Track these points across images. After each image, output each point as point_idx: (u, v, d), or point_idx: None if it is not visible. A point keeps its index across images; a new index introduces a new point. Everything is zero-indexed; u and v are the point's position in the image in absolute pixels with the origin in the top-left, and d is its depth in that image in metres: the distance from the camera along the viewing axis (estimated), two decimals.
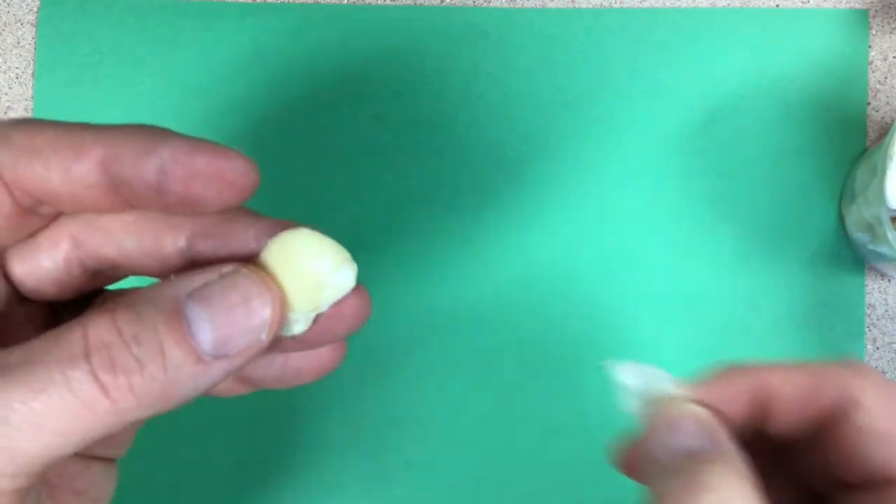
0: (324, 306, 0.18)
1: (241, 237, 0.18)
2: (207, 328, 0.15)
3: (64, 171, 0.16)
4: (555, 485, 0.37)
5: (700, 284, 0.38)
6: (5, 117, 0.40)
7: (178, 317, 0.15)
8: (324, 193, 0.39)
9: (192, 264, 0.18)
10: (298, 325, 0.18)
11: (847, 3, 0.38)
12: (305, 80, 0.39)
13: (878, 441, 0.18)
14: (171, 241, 0.18)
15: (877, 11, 0.38)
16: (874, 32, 0.38)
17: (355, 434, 0.37)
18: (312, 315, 0.18)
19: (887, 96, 0.38)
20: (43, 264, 0.18)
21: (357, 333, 0.20)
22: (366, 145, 0.39)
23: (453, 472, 0.37)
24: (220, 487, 0.37)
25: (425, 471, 0.37)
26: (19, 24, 0.40)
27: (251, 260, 0.17)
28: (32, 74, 0.40)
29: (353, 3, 0.39)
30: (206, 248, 0.18)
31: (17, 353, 0.15)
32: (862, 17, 0.38)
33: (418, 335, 0.38)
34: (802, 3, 0.38)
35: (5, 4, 0.40)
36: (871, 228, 0.34)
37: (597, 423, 0.38)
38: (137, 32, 0.39)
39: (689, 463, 0.17)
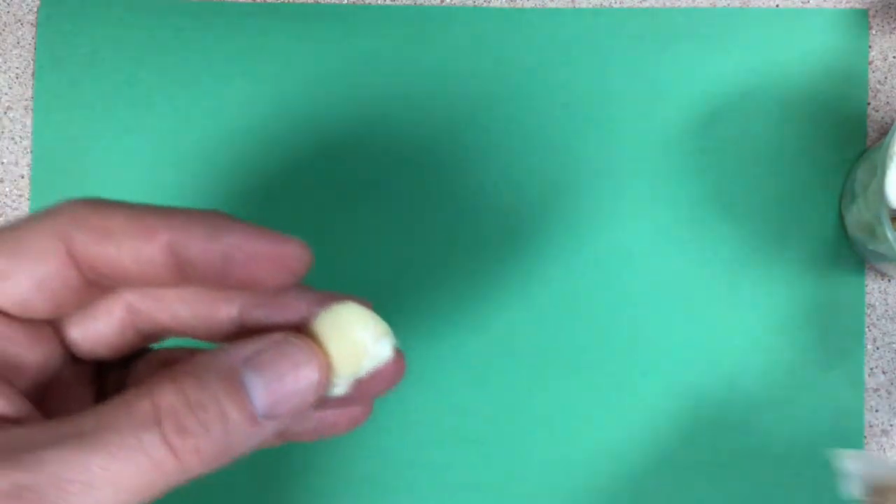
0: (364, 372, 0.19)
1: (290, 307, 0.20)
2: (262, 393, 0.17)
3: (134, 253, 0.17)
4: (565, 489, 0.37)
5: (700, 284, 0.38)
6: (5, 117, 0.40)
7: (236, 383, 0.17)
8: (322, 188, 0.39)
9: (243, 330, 0.20)
10: (340, 388, 0.19)
11: (847, 3, 0.38)
12: (305, 79, 0.39)
13: None
14: (225, 310, 0.20)
15: (877, 11, 0.38)
16: (874, 32, 0.38)
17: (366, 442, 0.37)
18: (353, 379, 0.19)
19: (887, 96, 0.38)
20: (99, 329, 0.20)
21: None
22: (365, 144, 0.39)
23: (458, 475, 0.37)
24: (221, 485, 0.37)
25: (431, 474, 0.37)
26: (19, 24, 0.40)
27: (299, 328, 0.19)
28: (32, 74, 0.40)
29: (353, 3, 0.39)
30: (257, 316, 0.20)
31: (87, 420, 0.16)
32: (862, 17, 0.38)
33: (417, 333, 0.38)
34: (802, 3, 0.38)
35: (5, 4, 0.40)
36: (871, 228, 0.34)
37: (605, 424, 0.38)
38: (137, 32, 0.39)
39: None
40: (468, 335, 0.38)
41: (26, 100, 0.40)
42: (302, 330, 0.19)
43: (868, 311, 0.37)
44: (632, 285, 0.38)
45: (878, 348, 0.37)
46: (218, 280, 0.18)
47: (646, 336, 0.38)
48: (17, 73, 0.40)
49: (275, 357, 0.18)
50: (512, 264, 0.38)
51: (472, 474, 0.37)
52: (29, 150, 0.40)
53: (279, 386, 0.17)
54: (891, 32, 0.38)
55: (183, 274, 0.18)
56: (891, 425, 0.37)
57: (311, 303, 0.20)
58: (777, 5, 0.38)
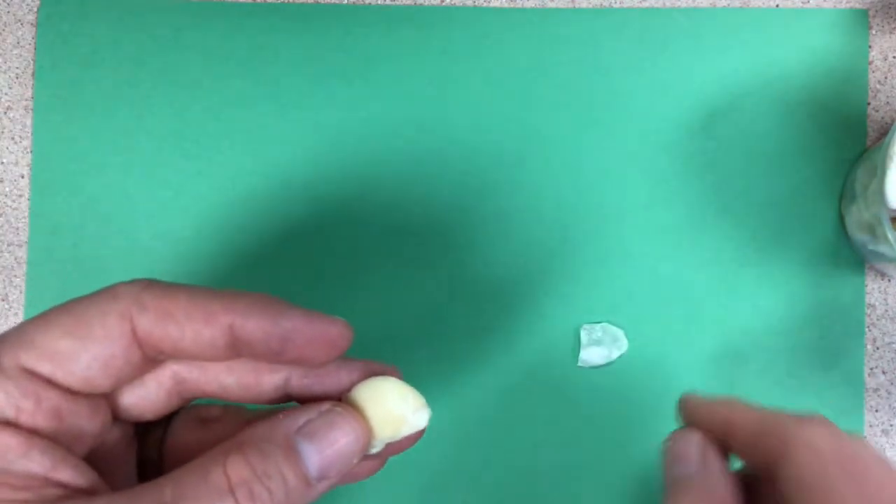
0: (398, 437, 0.22)
1: (332, 377, 0.22)
2: (315, 459, 0.19)
3: (195, 335, 0.19)
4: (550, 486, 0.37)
5: (700, 284, 0.38)
6: (5, 117, 0.40)
7: (293, 452, 0.19)
8: (321, 186, 0.39)
9: (285, 396, 0.22)
10: (375, 449, 0.22)
11: (847, 3, 0.38)
12: (305, 79, 0.39)
13: (799, 492, 0.20)
14: (269, 379, 0.22)
15: (877, 11, 0.38)
16: (874, 32, 0.38)
17: None
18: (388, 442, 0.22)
19: (887, 96, 0.38)
20: (148, 397, 0.21)
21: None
22: (364, 143, 0.39)
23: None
24: None
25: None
26: (19, 24, 0.40)
27: (341, 395, 0.21)
28: (32, 74, 0.40)
29: (353, 3, 0.39)
30: (301, 385, 0.22)
31: (166, 490, 0.18)
32: (862, 17, 0.38)
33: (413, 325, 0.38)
34: (802, 3, 0.38)
35: (5, 4, 0.40)
36: (871, 228, 0.34)
37: (605, 424, 0.38)
38: (137, 32, 0.39)
39: (675, 488, 0.22)
40: (464, 328, 0.38)
41: (26, 100, 0.40)
42: (343, 398, 0.21)
43: (868, 311, 0.37)
44: (632, 285, 0.38)
45: (878, 348, 0.37)
46: (271, 357, 0.20)
47: (645, 336, 0.38)
48: (17, 73, 0.40)
49: (324, 426, 0.20)
50: (511, 263, 0.38)
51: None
52: (29, 150, 0.40)
53: (329, 452, 0.20)
54: (891, 32, 0.38)
55: (237, 351, 0.20)
56: (891, 425, 0.37)
57: (350, 372, 0.22)
58: (777, 5, 0.38)
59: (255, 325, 0.19)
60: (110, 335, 0.19)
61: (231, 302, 0.19)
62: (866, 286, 0.38)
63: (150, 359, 0.20)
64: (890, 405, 0.37)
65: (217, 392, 0.22)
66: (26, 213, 0.39)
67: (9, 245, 0.40)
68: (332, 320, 0.20)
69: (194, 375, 0.22)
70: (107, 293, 0.19)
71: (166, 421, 0.23)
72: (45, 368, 0.18)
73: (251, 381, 0.22)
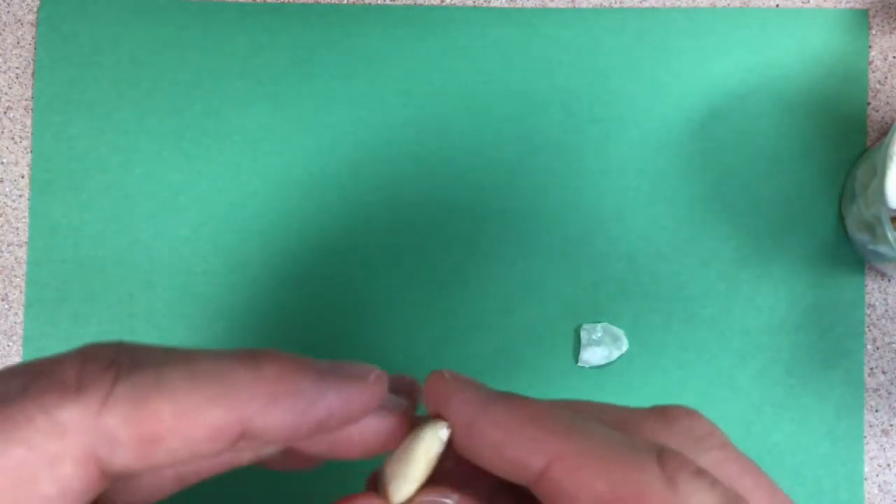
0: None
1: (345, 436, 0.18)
2: None
3: (188, 445, 0.15)
4: None
5: (700, 284, 0.38)
6: (5, 117, 0.40)
7: None
8: (320, 184, 0.39)
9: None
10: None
11: (847, 3, 0.38)
12: (305, 79, 0.39)
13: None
14: (258, 454, 0.18)
15: (877, 11, 0.38)
16: (874, 32, 0.38)
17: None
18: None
19: (887, 96, 0.38)
20: (141, 492, 0.17)
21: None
22: (364, 143, 0.39)
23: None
24: None
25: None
26: (19, 24, 0.40)
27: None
28: (32, 74, 0.40)
29: (353, 3, 0.39)
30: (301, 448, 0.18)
31: None
32: (862, 17, 0.38)
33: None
34: (802, 3, 0.38)
35: (5, 4, 0.40)
36: (871, 228, 0.34)
37: None
38: (137, 32, 0.39)
39: None
40: (464, 328, 0.38)
41: (26, 100, 0.40)
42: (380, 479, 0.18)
43: (868, 311, 0.37)
44: (632, 285, 0.38)
45: (878, 348, 0.37)
46: (285, 444, 0.16)
47: (646, 336, 0.38)
48: (17, 73, 0.40)
49: None
50: (511, 263, 0.38)
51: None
52: (29, 150, 0.40)
53: None
54: (891, 32, 0.38)
55: (238, 442, 0.15)
56: (891, 425, 0.37)
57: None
58: (777, 5, 0.38)
59: (278, 418, 0.15)
60: (68, 492, 0.14)
61: (239, 386, 0.15)
62: (866, 286, 0.38)
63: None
64: (890, 405, 0.37)
65: (173, 484, 0.17)
66: (26, 213, 0.39)
67: (9, 245, 0.40)
68: (366, 384, 0.16)
69: (158, 476, 0.17)
70: (45, 421, 0.14)
71: None
72: None
73: (226, 460, 0.17)
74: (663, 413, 0.18)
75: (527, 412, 0.16)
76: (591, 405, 0.18)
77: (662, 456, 0.15)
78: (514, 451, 0.15)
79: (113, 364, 0.15)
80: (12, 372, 0.15)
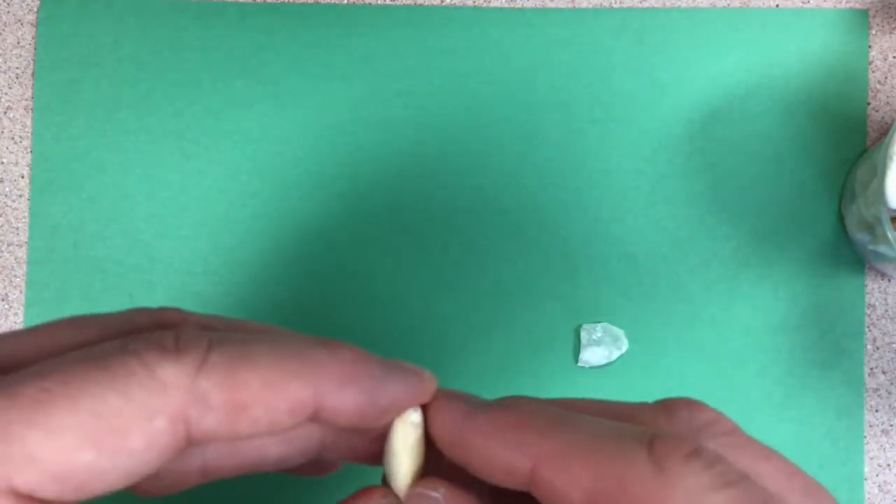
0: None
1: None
2: None
3: (268, 415, 0.15)
4: None
5: (700, 284, 0.38)
6: (5, 117, 0.40)
7: None
8: (320, 183, 0.39)
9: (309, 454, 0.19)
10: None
11: (847, 3, 0.38)
12: (305, 79, 0.39)
13: None
14: (307, 441, 0.18)
15: (877, 11, 0.38)
16: (874, 32, 0.38)
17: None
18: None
19: (887, 96, 0.38)
20: (165, 481, 0.17)
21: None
22: (364, 143, 0.39)
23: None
24: None
25: None
26: (19, 24, 0.40)
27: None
28: (32, 74, 0.40)
29: (353, 3, 0.39)
30: (338, 438, 0.18)
31: None
32: (862, 17, 0.38)
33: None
34: (802, 3, 0.38)
35: (5, 4, 0.40)
36: (871, 228, 0.34)
37: None
38: (137, 32, 0.39)
39: None
40: (464, 327, 0.38)
41: (26, 100, 0.40)
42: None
43: (868, 311, 0.37)
44: (632, 285, 0.38)
45: (878, 348, 0.37)
46: (347, 426, 0.17)
47: (646, 336, 0.38)
48: (17, 73, 0.40)
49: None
50: (511, 263, 0.38)
51: None
52: (29, 150, 0.40)
53: None
54: (891, 32, 0.38)
55: (308, 421, 0.16)
56: (891, 425, 0.37)
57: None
58: (777, 5, 0.38)
59: (350, 399, 0.16)
60: (154, 447, 0.14)
61: (318, 365, 0.15)
62: (866, 286, 0.38)
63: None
64: (890, 405, 0.37)
65: (238, 469, 0.17)
66: (26, 213, 0.39)
67: (9, 245, 0.40)
68: (422, 380, 0.17)
69: (230, 455, 0.17)
70: (147, 376, 0.14)
71: None
72: (49, 491, 0.13)
73: (254, 459, 0.17)
74: (664, 404, 0.18)
75: (508, 417, 0.16)
76: (593, 402, 0.18)
77: (654, 442, 0.14)
78: (499, 457, 0.16)
79: (204, 333, 0.15)
80: (97, 322, 0.16)
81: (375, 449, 0.18)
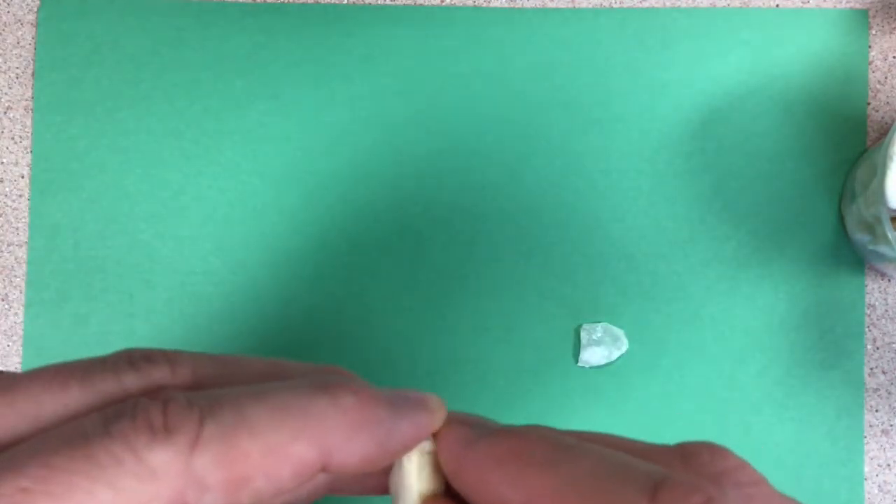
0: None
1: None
2: None
3: (271, 482, 0.14)
4: None
5: (700, 284, 0.38)
6: (5, 117, 0.40)
7: None
8: (320, 183, 0.39)
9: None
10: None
11: (847, 3, 0.38)
12: (305, 79, 0.39)
13: None
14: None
15: (877, 11, 0.38)
16: (874, 32, 0.38)
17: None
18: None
19: (887, 96, 0.38)
20: None
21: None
22: (364, 143, 0.39)
23: None
24: None
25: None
26: (19, 24, 0.40)
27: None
28: (32, 74, 0.40)
29: (353, 3, 0.39)
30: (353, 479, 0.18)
31: None
32: (862, 17, 0.38)
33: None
34: (802, 3, 0.38)
35: (5, 4, 0.40)
36: (871, 228, 0.34)
37: (606, 424, 0.38)
38: (137, 32, 0.39)
39: None
40: (467, 329, 0.38)
41: (26, 100, 0.40)
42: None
43: (868, 311, 0.37)
44: (632, 285, 0.38)
45: (878, 348, 0.37)
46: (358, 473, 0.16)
47: (646, 336, 0.38)
48: (17, 73, 0.40)
49: None
50: (511, 263, 0.38)
51: None
52: (29, 150, 0.40)
53: None
54: (891, 32, 0.38)
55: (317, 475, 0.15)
56: (891, 425, 0.37)
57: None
58: (777, 5, 0.38)
59: (359, 449, 0.15)
60: None
61: (321, 419, 0.14)
62: (866, 286, 0.38)
63: None
64: (890, 405, 0.37)
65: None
66: (26, 213, 0.39)
67: (9, 245, 0.40)
68: (431, 411, 0.16)
69: None
70: (136, 463, 0.13)
71: None
72: None
73: (291, 499, 0.17)
74: (684, 447, 0.16)
75: (509, 447, 0.15)
76: (610, 438, 0.17)
77: (660, 489, 0.13)
78: (493, 489, 0.15)
79: (194, 403, 0.14)
80: (80, 381, 0.15)
81: (386, 480, 0.18)
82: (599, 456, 0.15)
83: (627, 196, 0.38)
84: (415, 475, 0.16)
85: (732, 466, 0.15)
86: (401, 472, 0.17)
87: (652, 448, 0.16)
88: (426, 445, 0.17)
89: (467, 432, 0.16)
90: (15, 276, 0.39)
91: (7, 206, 0.40)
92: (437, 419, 0.16)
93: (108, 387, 0.15)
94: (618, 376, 0.37)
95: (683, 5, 0.38)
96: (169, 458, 0.13)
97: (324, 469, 0.15)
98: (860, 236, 0.36)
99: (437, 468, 0.17)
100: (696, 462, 0.16)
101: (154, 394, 0.14)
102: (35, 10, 0.40)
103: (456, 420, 0.17)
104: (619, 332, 0.37)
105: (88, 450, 0.13)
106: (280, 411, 0.14)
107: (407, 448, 0.16)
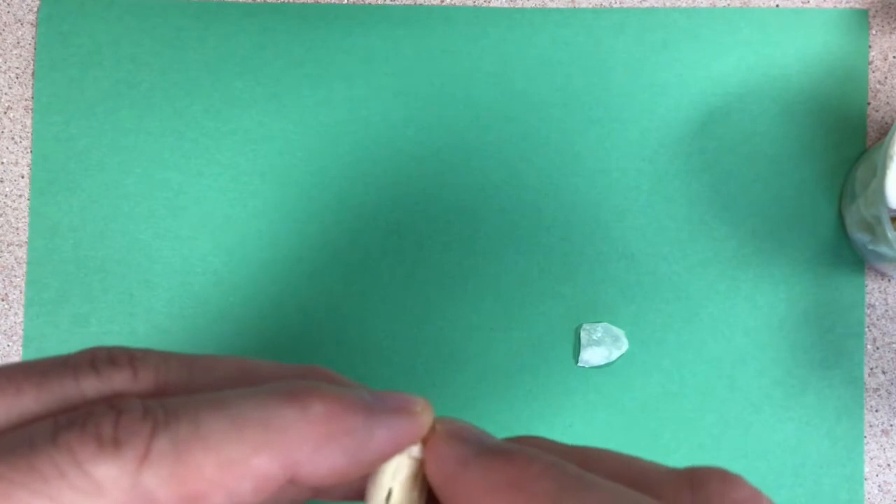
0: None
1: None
2: None
3: (231, 497, 0.14)
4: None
5: (700, 284, 0.38)
6: (5, 117, 0.40)
7: None
8: (320, 182, 0.39)
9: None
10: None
11: (847, 3, 0.38)
12: (305, 79, 0.39)
13: None
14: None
15: (877, 11, 0.38)
16: (874, 32, 0.38)
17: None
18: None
19: (887, 96, 0.38)
20: None
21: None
22: (364, 143, 0.39)
23: None
24: None
25: None
26: (19, 24, 0.40)
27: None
28: (32, 74, 0.40)
29: (353, 3, 0.39)
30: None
31: None
32: (862, 17, 0.38)
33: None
34: (802, 3, 0.38)
35: (5, 4, 0.40)
36: (871, 228, 0.34)
37: (606, 424, 0.38)
38: (137, 32, 0.39)
39: None
40: (464, 326, 0.38)
41: (26, 100, 0.40)
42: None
43: (868, 311, 0.37)
44: (632, 285, 0.38)
45: (878, 348, 0.37)
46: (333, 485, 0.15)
47: (646, 336, 0.38)
48: (17, 73, 0.40)
49: None
50: (511, 263, 0.38)
51: None
52: (29, 150, 0.40)
53: None
54: (891, 32, 0.38)
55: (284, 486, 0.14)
56: (891, 425, 0.37)
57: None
58: (777, 5, 0.38)
59: (329, 462, 0.14)
60: None
61: (285, 430, 0.14)
62: (866, 286, 0.38)
63: None
64: (890, 405, 0.37)
65: None
66: (26, 213, 0.40)
67: (9, 245, 0.40)
68: (413, 417, 0.15)
69: None
70: (79, 477, 0.12)
71: None
72: None
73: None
74: (693, 474, 0.15)
75: (507, 477, 0.14)
76: (612, 457, 0.16)
77: None
78: None
79: (149, 413, 0.13)
80: (35, 385, 0.14)
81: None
82: (606, 495, 0.13)
83: (627, 196, 0.38)
84: (389, 474, 0.15)
85: (745, 497, 0.14)
86: (378, 481, 0.16)
87: (659, 471, 0.15)
88: (414, 450, 0.15)
89: (460, 450, 0.15)
90: (15, 276, 0.39)
91: (7, 206, 0.40)
92: (420, 426, 0.15)
93: (66, 390, 0.14)
94: (618, 376, 0.37)
95: (683, 5, 0.38)
96: (116, 473, 0.12)
97: (292, 482, 0.14)
98: (860, 236, 0.36)
99: (424, 477, 0.16)
100: (706, 491, 0.15)
101: (111, 400, 0.14)
102: (35, 10, 0.40)
103: (448, 432, 0.16)
104: (619, 332, 0.37)
105: (32, 460, 0.12)
106: (240, 422, 0.13)
107: (385, 458, 0.15)
